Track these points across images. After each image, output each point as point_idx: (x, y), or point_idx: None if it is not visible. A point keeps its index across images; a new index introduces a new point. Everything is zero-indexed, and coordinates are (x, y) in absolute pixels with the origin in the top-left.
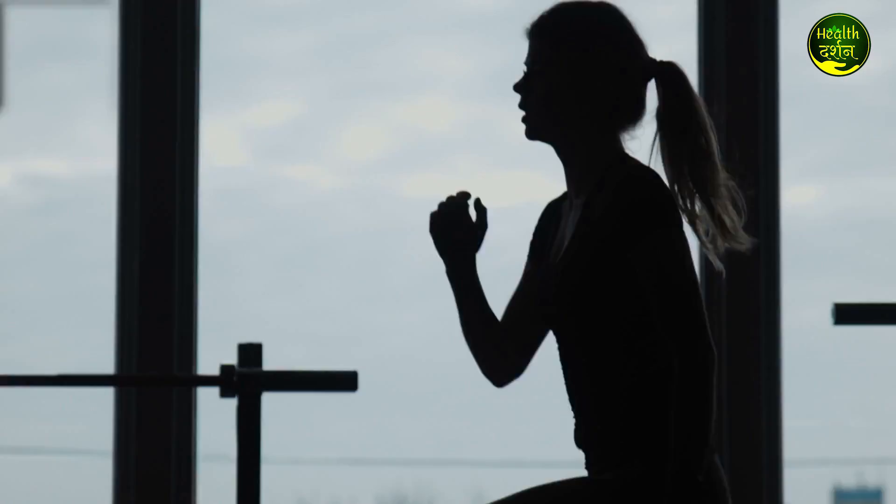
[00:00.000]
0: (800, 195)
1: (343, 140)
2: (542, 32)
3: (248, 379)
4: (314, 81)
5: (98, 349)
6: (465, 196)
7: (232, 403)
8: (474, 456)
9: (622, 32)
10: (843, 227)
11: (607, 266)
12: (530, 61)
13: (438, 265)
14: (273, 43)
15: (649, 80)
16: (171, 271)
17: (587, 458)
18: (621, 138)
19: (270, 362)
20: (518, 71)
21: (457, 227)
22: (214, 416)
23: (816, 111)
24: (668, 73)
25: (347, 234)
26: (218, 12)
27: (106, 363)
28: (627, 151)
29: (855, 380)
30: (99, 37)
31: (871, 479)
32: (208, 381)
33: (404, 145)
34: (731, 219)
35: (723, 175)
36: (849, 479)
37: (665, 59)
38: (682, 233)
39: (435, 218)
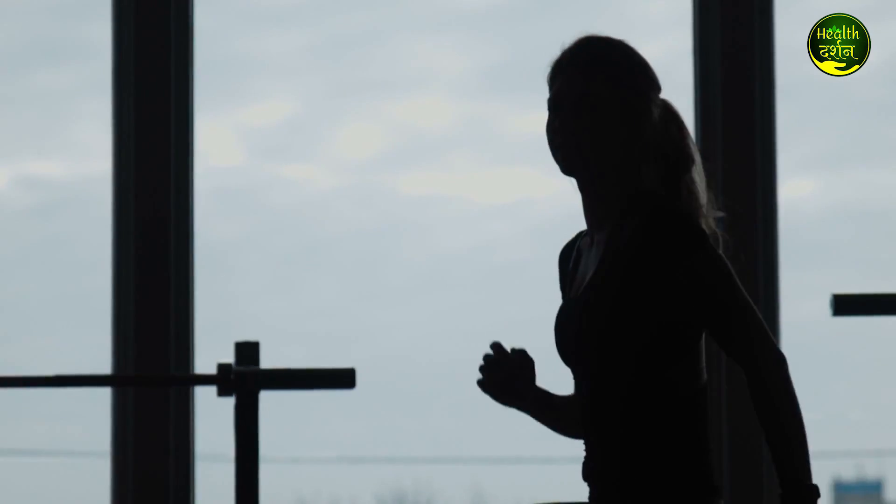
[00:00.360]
0: (796, 188)
1: (339, 139)
2: (591, 69)
3: (246, 377)
4: (309, 80)
5: (95, 350)
6: (498, 349)
7: (230, 402)
8: (473, 453)
9: (650, 70)
10: (840, 220)
11: (637, 292)
12: (575, 96)
13: (436, 264)
14: (268, 42)
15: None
16: (167, 271)
17: (591, 492)
18: (641, 172)
19: (268, 362)
20: (514, 69)
21: (504, 381)
22: (212, 415)
23: (812, 104)
24: (668, 111)
25: (344, 232)
26: (212, 12)
27: (103, 364)
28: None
29: (854, 372)
30: (93, 38)
31: (870, 471)
32: (205, 380)
33: (401, 143)
34: None
35: (706, 210)
36: (848, 472)
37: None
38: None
39: (481, 384)
